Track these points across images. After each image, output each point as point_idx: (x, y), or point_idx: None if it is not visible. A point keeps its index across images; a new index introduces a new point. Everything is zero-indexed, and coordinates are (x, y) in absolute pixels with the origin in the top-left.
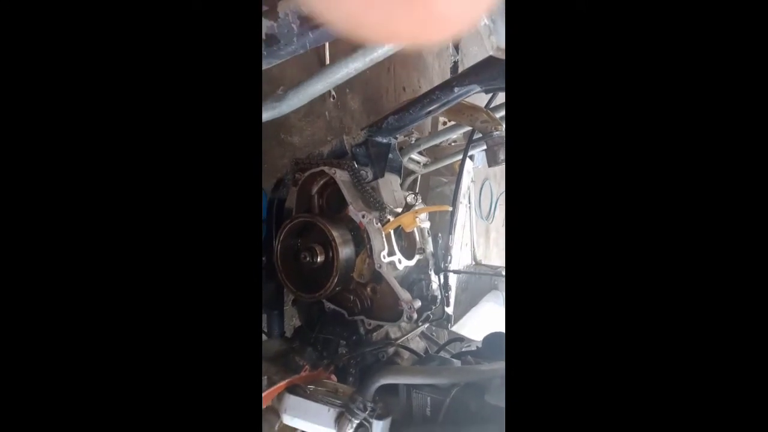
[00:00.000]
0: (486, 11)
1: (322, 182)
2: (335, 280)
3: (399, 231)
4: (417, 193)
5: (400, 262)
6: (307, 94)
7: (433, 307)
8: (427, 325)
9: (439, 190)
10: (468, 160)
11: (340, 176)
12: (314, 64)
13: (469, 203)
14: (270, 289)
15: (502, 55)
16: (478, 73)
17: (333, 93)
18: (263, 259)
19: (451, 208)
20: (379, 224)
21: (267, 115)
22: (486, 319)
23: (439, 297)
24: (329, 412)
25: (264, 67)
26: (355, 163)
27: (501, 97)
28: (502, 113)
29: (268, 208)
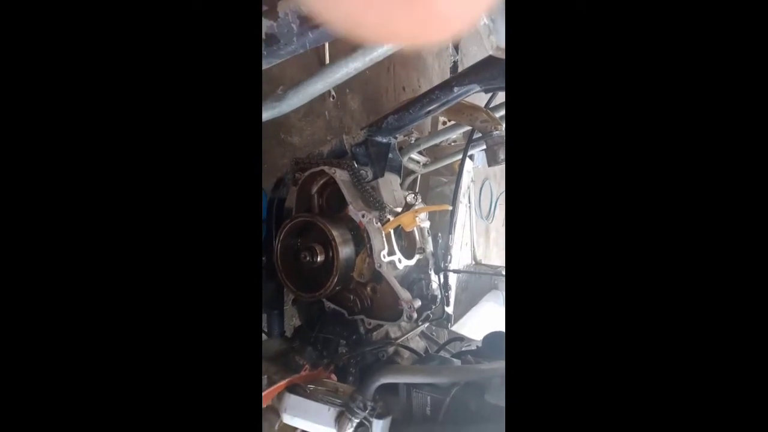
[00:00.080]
0: (486, 11)
1: (322, 182)
2: (335, 280)
3: (399, 230)
4: (417, 193)
5: (400, 261)
6: (306, 93)
7: (433, 307)
8: (427, 325)
9: (439, 189)
10: (468, 160)
11: (340, 176)
12: (314, 63)
13: (469, 203)
14: (270, 289)
15: (501, 55)
16: (478, 72)
17: (333, 93)
18: (263, 258)
19: (451, 208)
20: (379, 224)
21: (267, 114)
22: (486, 319)
23: (439, 296)
24: (329, 412)
25: (264, 66)
26: (355, 162)
27: (501, 97)
28: (502, 113)
29: (268, 207)
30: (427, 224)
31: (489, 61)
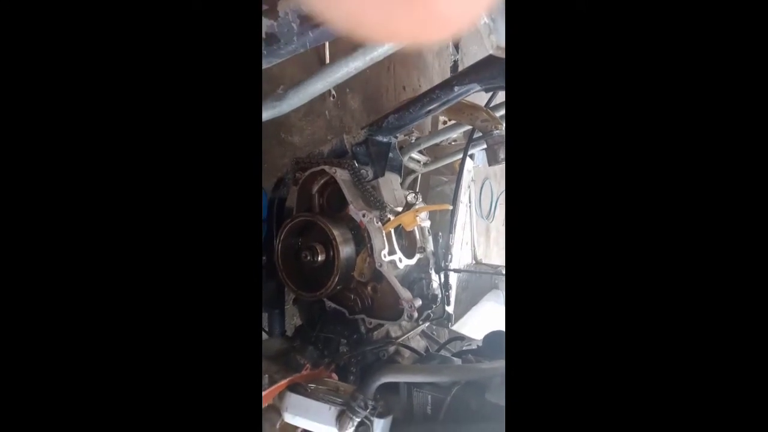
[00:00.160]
0: (486, 10)
1: (322, 181)
2: (336, 279)
3: (399, 230)
4: (417, 192)
5: (400, 261)
6: (307, 93)
7: (434, 306)
8: (427, 324)
9: (440, 189)
10: (468, 159)
11: (341, 175)
12: (314, 63)
13: (470, 202)
14: (271, 288)
15: (502, 54)
16: (478, 71)
17: (333, 92)
18: (264, 258)
19: (451, 207)
20: (379, 223)
21: (267, 114)
22: (486, 318)
23: (440, 296)
24: (330, 411)
25: (264, 66)
26: (355, 162)
27: (501, 96)
28: (502, 112)
29: (268, 207)
30: (427, 223)
31: (489, 60)
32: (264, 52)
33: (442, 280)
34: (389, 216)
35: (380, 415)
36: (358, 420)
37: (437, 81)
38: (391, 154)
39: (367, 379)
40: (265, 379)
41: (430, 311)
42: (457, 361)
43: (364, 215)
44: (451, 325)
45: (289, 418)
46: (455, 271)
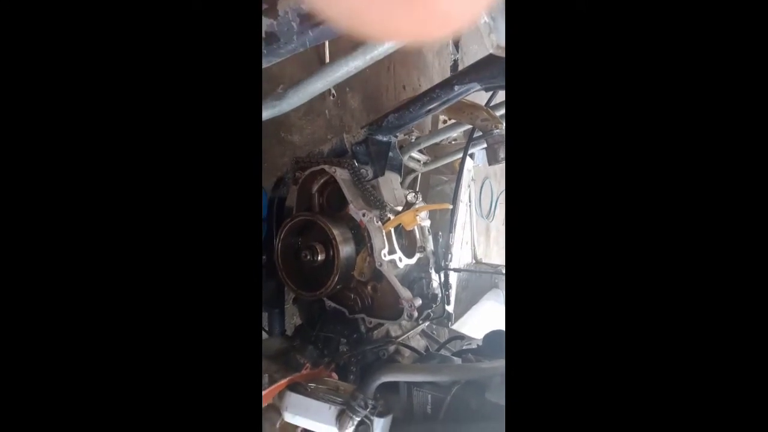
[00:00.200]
0: (486, 8)
1: (322, 181)
2: (336, 279)
3: (399, 229)
4: (417, 192)
5: (400, 260)
6: (307, 92)
7: (434, 306)
8: (427, 323)
9: (440, 188)
10: (468, 159)
11: (341, 175)
12: (314, 62)
13: (470, 201)
14: (271, 288)
15: (502, 53)
16: (479, 71)
17: (333, 91)
18: (264, 257)
19: (451, 207)
20: (379, 223)
21: (267, 113)
22: (486, 317)
23: (440, 295)
24: (330, 410)
25: (264, 65)
26: (355, 161)
27: (501, 96)
28: (503, 111)
29: (268, 206)
30: (427, 223)
31: (489, 59)
32: (264, 51)
33: (442, 279)
34: (389, 215)
35: (380, 415)
36: (358, 419)
37: (437, 80)
38: (391, 154)
39: (367, 379)
40: (265, 378)
41: (430, 310)
42: (457, 360)
43: (364, 214)
44: (451, 325)
45: (289, 418)
46: (455, 270)
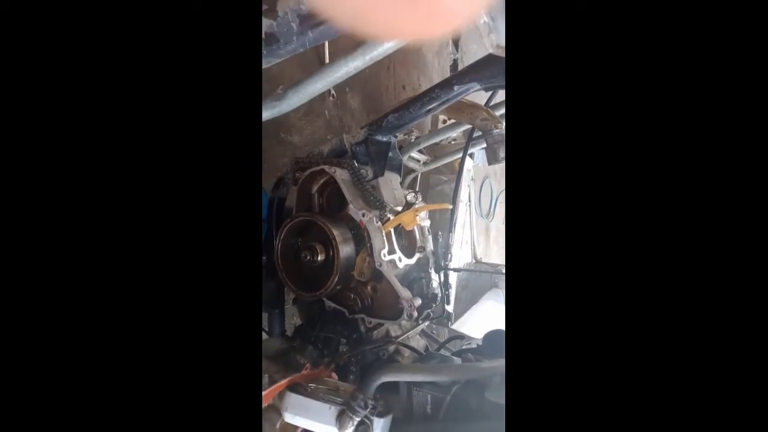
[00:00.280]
0: (487, 5)
1: (322, 181)
2: (336, 279)
3: (399, 229)
4: (417, 192)
5: (400, 260)
6: (306, 92)
7: (434, 305)
8: (427, 323)
9: (439, 188)
10: (468, 159)
11: (340, 175)
12: (314, 62)
13: (469, 201)
14: (271, 288)
15: (501, 53)
16: (478, 71)
17: (333, 92)
18: (264, 257)
19: (451, 207)
20: (379, 223)
21: (267, 114)
22: (486, 317)
23: (440, 295)
24: (330, 410)
25: (264, 66)
26: (355, 161)
27: (501, 95)
28: (502, 111)
29: (268, 207)
30: (427, 223)
31: (489, 59)
32: (264, 51)
33: (442, 279)
34: (389, 215)
35: (380, 415)
36: (358, 419)
37: (437, 80)
38: (390, 154)
39: (367, 379)
40: (265, 378)
41: (429, 310)
42: (457, 360)
43: (363, 215)
44: (451, 324)
45: (289, 418)
46: (455, 270)
